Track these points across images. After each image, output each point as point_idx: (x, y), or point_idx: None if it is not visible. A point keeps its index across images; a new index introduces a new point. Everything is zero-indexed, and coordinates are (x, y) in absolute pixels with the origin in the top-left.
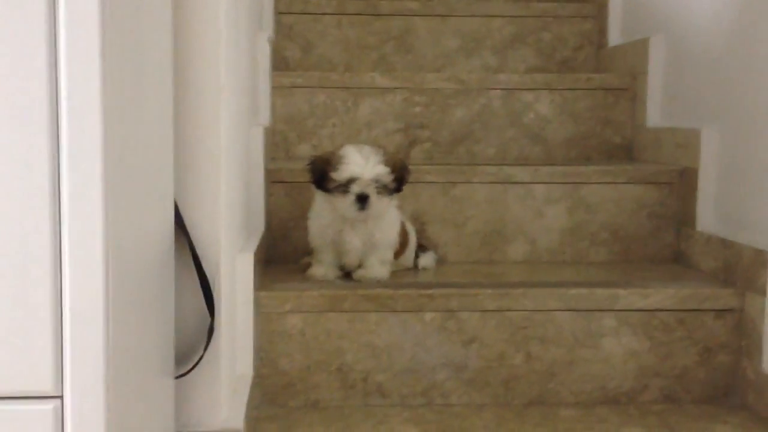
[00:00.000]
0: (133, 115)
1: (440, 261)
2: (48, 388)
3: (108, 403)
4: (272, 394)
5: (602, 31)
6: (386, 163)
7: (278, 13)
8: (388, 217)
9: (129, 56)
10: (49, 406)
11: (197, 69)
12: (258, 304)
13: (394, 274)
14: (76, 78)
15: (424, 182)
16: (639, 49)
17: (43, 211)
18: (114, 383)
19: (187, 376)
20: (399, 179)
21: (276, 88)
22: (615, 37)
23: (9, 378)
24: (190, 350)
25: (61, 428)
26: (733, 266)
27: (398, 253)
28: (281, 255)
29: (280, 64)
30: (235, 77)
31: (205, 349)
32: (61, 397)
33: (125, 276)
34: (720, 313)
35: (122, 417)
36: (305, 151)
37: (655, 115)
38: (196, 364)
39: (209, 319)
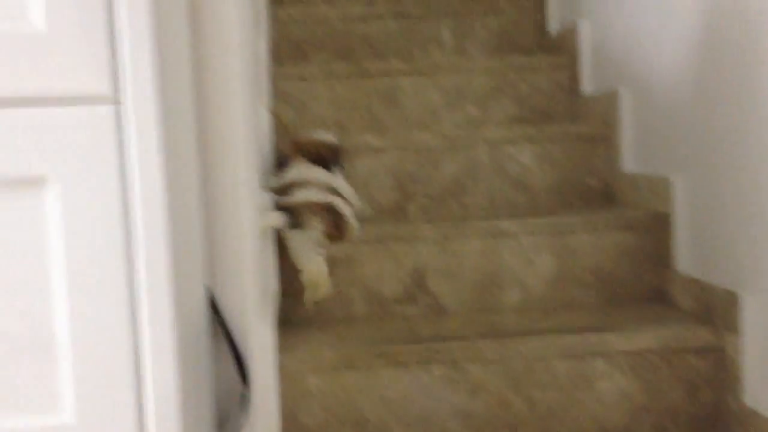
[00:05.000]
0: (181, 202)
1: (441, 311)
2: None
3: None
4: None
5: (575, 80)
6: None
7: (275, 80)
8: None
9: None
10: None
11: (219, 153)
12: (279, 365)
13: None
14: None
15: (422, 239)
16: (609, 99)
17: (119, 268)
18: None
19: None
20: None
21: None
22: (587, 86)
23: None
24: (223, 418)
25: None
26: (710, 306)
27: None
28: (293, 314)
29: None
30: (252, 156)
31: (243, 418)
32: None
33: (185, 336)
34: (701, 351)
35: None
36: None
37: (630, 161)
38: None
39: (240, 387)
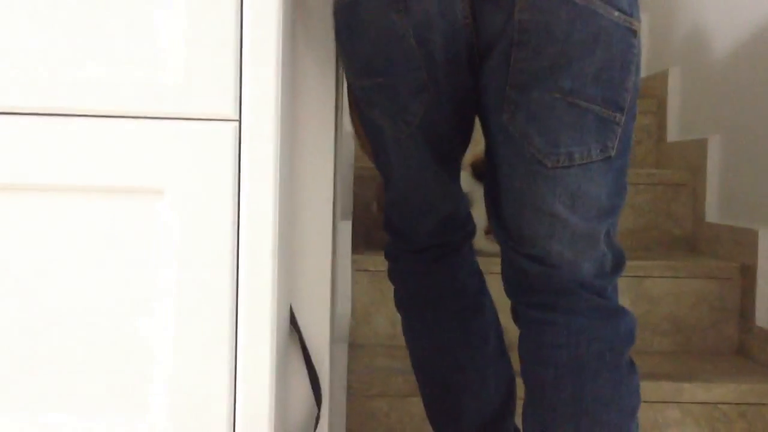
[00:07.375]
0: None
1: (509, 345)
2: None
3: None
4: None
5: (661, 126)
6: None
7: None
8: None
9: None
10: None
11: (308, 184)
12: (348, 387)
13: None
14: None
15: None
16: (697, 147)
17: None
18: None
19: None
20: None
21: None
22: (674, 133)
23: None
24: None
25: None
26: None
27: None
28: (363, 337)
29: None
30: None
31: None
32: None
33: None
34: None
35: None
36: None
37: (713, 212)
38: None
39: (308, 405)
